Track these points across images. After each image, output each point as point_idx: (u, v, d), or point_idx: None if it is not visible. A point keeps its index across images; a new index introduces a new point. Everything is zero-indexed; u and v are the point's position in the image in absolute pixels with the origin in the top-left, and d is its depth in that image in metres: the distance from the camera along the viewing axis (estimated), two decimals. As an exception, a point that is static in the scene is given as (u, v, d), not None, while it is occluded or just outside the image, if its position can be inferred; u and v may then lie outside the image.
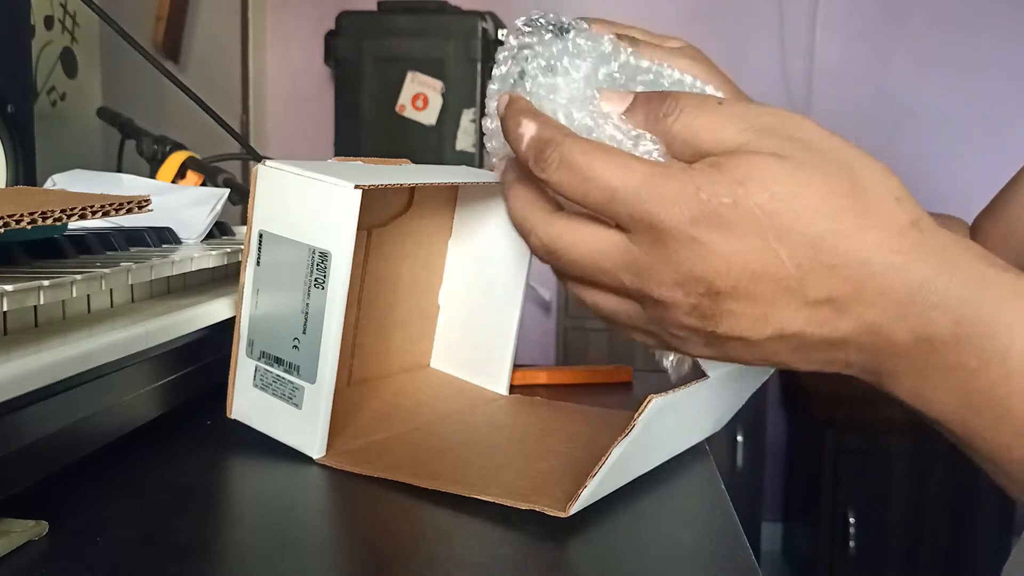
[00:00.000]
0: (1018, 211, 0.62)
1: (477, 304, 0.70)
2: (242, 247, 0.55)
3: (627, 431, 0.43)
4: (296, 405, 0.52)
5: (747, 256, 0.33)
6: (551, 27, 0.42)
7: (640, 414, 0.42)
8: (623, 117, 0.38)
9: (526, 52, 0.42)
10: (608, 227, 0.36)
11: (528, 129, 0.37)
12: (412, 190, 0.66)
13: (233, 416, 0.55)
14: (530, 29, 0.43)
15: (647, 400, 0.42)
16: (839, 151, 0.35)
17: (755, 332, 0.34)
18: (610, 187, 0.35)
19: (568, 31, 0.42)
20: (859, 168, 0.34)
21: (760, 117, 0.35)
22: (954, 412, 0.35)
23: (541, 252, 0.39)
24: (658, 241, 0.34)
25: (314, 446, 0.52)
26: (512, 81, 0.43)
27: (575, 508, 0.44)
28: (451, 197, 0.70)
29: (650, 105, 0.37)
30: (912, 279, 0.33)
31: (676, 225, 0.33)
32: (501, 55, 0.44)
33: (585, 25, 0.43)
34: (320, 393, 0.52)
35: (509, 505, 0.46)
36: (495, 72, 0.44)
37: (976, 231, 0.66)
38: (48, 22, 1.27)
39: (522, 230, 0.39)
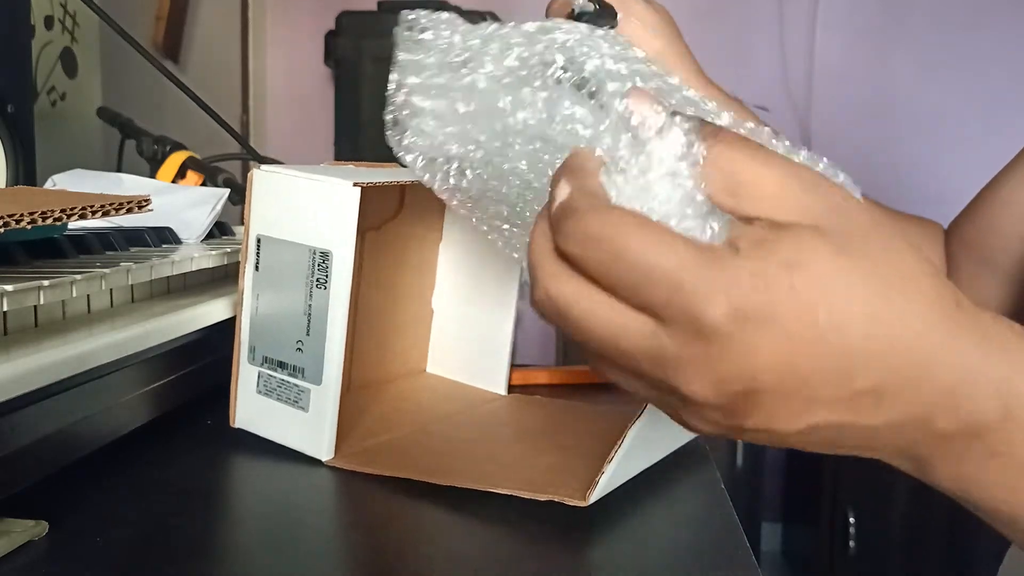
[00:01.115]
0: (994, 215, 0.62)
1: (471, 307, 0.70)
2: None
3: (639, 413, 0.43)
4: (303, 408, 0.52)
5: (797, 350, 0.29)
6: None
7: None
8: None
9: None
10: (634, 308, 0.31)
11: (562, 191, 0.32)
12: (402, 194, 0.66)
13: (237, 425, 0.55)
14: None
15: None
16: (872, 223, 0.32)
17: (787, 426, 0.31)
18: (644, 268, 0.29)
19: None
20: (893, 242, 0.31)
21: (798, 174, 0.31)
22: (1002, 496, 0.33)
23: (547, 309, 0.33)
24: (697, 336, 0.29)
25: (322, 449, 0.52)
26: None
27: (594, 496, 0.45)
28: (440, 201, 0.70)
29: (694, 118, 0.32)
30: (961, 365, 0.31)
31: (721, 320, 0.29)
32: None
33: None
34: (327, 394, 0.52)
35: (527, 497, 0.46)
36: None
37: (953, 234, 0.67)
38: (48, 22, 1.27)
39: (531, 276, 0.33)
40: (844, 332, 0.29)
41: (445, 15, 0.39)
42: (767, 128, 0.39)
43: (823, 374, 0.30)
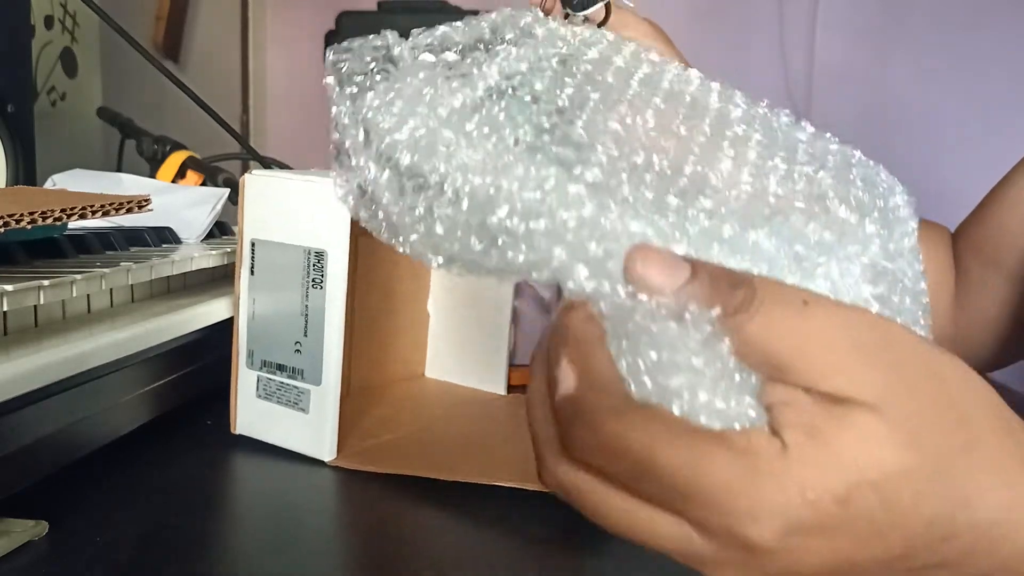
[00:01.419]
0: (1003, 216, 0.63)
1: (467, 308, 0.70)
2: (242, 247, 0.55)
3: None
4: (303, 410, 0.52)
5: (851, 549, 0.27)
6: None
7: None
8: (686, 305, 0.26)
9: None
10: (662, 510, 0.27)
11: (565, 377, 0.27)
12: None
13: (238, 431, 0.55)
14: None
15: None
16: (934, 372, 0.28)
17: None
18: (677, 486, 0.26)
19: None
20: (961, 393, 0.28)
21: (849, 331, 0.27)
22: None
23: (555, 491, 0.29)
24: (739, 549, 0.26)
25: (324, 449, 0.52)
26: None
27: None
28: None
29: (717, 289, 0.26)
30: None
31: (768, 537, 0.26)
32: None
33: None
34: (326, 394, 0.52)
35: (530, 489, 0.46)
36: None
37: (961, 236, 0.67)
38: (48, 22, 1.27)
39: (535, 449, 0.29)
40: (904, 526, 0.27)
41: (374, 44, 0.34)
42: (764, 102, 0.38)
43: (878, 561, 0.27)
